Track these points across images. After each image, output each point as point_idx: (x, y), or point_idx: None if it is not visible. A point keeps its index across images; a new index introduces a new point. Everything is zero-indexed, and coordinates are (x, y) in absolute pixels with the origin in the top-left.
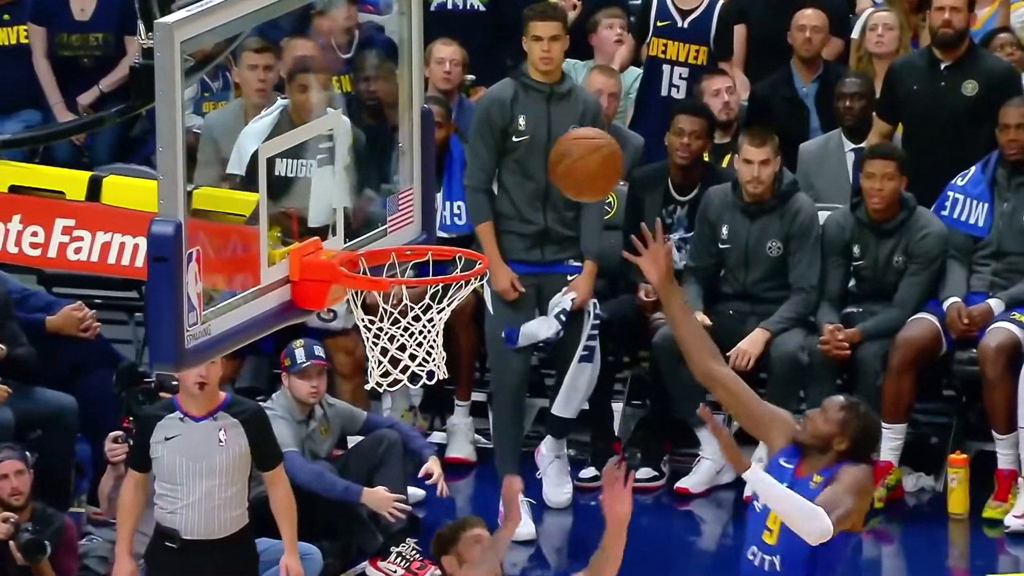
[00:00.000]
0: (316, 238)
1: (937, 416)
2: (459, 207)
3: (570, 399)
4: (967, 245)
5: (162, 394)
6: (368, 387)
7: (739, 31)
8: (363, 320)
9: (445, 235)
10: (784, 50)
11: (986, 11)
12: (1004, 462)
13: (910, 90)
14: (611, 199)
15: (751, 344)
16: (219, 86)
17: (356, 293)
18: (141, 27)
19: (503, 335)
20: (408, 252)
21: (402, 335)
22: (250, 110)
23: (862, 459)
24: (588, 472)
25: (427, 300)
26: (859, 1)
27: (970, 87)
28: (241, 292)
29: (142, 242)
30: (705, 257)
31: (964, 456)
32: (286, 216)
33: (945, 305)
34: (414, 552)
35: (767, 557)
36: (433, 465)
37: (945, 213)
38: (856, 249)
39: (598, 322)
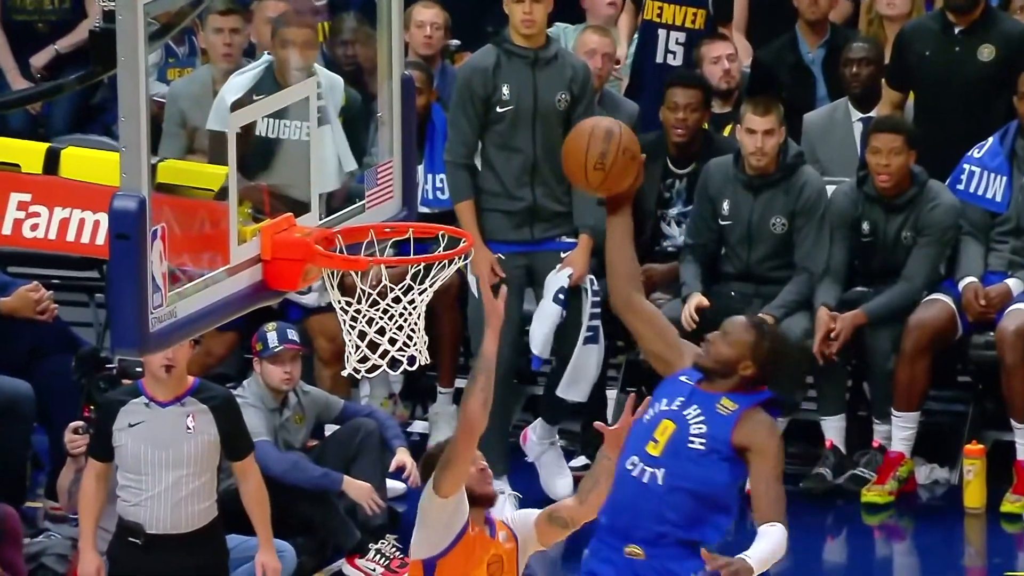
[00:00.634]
0: (289, 215)
1: (952, 404)
2: (441, 180)
3: (577, 381)
4: (984, 221)
5: (125, 381)
6: (345, 373)
7: None
8: (340, 302)
9: (427, 210)
10: (789, 13)
11: None
12: (1023, 453)
13: (922, 56)
14: None
15: None
16: (185, 52)
17: (332, 273)
18: None
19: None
20: (387, 229)
21: (381, 318)
22: (218, 77)
23: (768, 383)
24: (579, 461)
25: (408, 280)
26: None
27: (986, 52)
28: (209, 272)
29: (103, 218)
30: (705, 234)
31: (980, 446)
32: (258, 191)
33: (961, 286)
34: (394, 549)
35: (649, 469)
36: (403, 456)
37: (960, 187)
38: (865, 226)
39: (598, 299)
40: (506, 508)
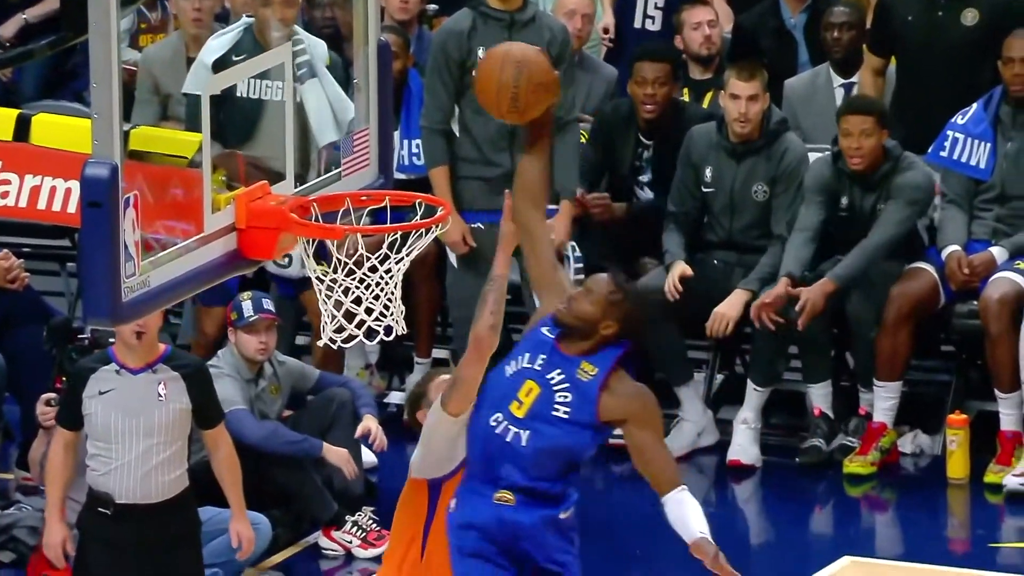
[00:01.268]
0: (264, 182)
1: (935, 374)
2: (418, 146)
3: None
4: (967, 189)
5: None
6: (320, 343)
7: None
8: (315, 271)
9: (403, 177)
10: None
11: None
12: (1007, 423)
13: (904, 20)
14: (582, 136)
15: (729, 307)
16: (157, 17)
17: (308, 242)
18: None
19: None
20: (364, 197)
21: (357, 287)
22: (190, 43)
23: (628, 340)
24: None
25: (384, 250)
26: None
27: (970, 16)
28: (183, 240)
29: (75, 186)
30: (688, 201)
31: (964, 417)
32: (232, 158)
33: (944, 254)
34: (370, 521)
35: (513, 429)
36: (369, 422)
37: (944, 154)
38: (844, 200)
39: (581, 266)
40: None
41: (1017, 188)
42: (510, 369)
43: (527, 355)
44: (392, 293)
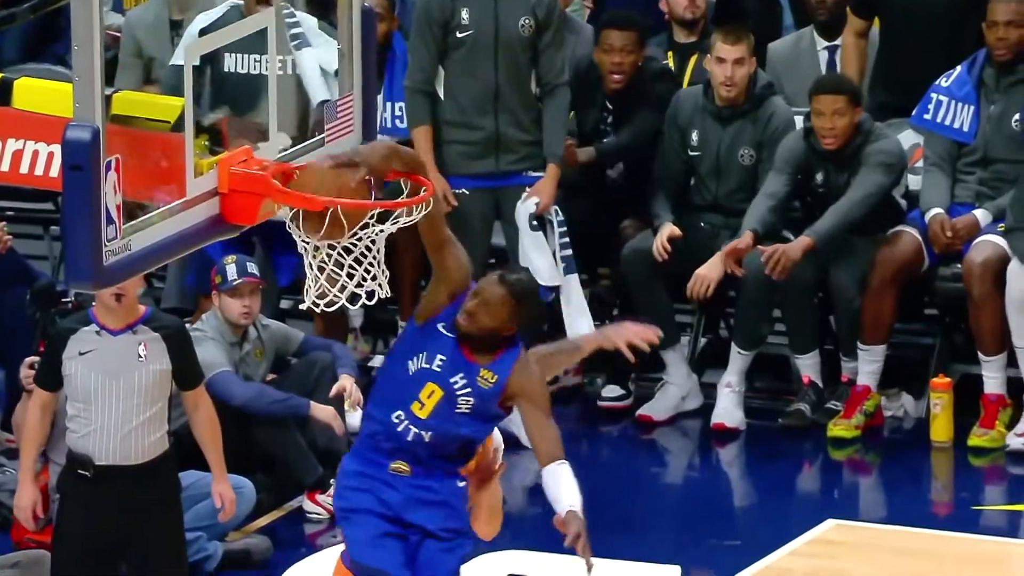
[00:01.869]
0: (247, 147)
1: (919, 337)
2: (401, 109)
3: (579, 316)
4: (950, 152)
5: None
6: (304, 307)
7: None
8: (299, 236)
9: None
10: None
11: None
12: (990, 386)
13: None
14: None
15: (710, 269)
16: None
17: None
18: None
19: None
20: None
21: (340, 252)
22: (172, 7)
23: (526, 333)
24: None
25: (367, 219)
26: None
27: None
28: (165, 205)
29: (57, 150)
30: (675, 163)
31: (947, 380)
32: (215, 123)
33: (927, 217)
34: None
35: (415, 429)
36: (345, 382)
37: (928, 117)
38: (819, 176)
39: (565, 229)
40: None
41: (1000, 151)
42: (412, 366)
43: (425, 354)
44: (376, 258)
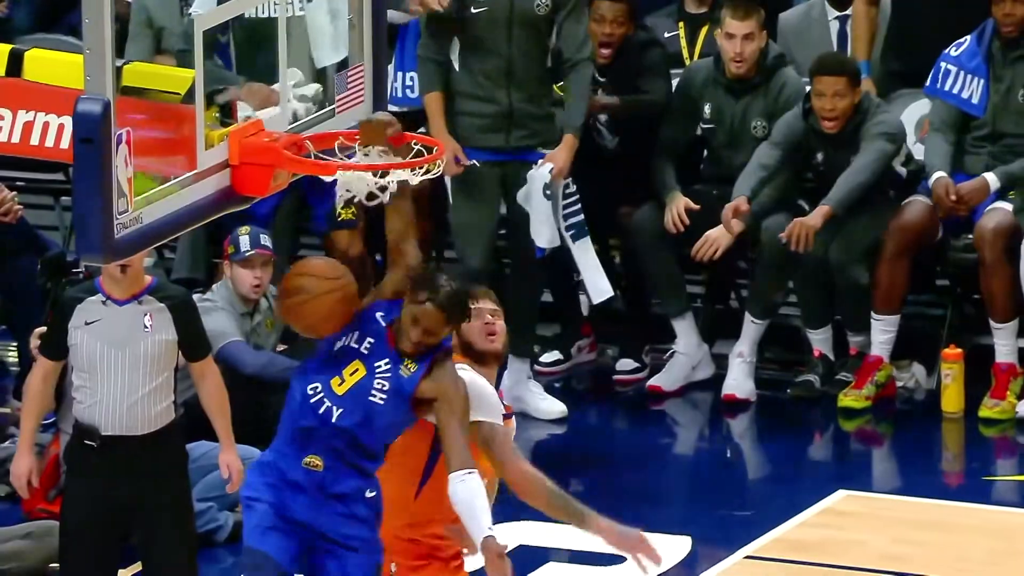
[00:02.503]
0: (258, 119)
1: (930, 308)
2: (412, 79)
3: (597, 280)
4: (953, 119)
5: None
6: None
7: None
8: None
9: (396, 109)
10: None
11: None
12: (1002, 355)
13: None
14: None
15: (721, 233)
16: None
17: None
18: None
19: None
20: (358, 136)
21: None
22: None
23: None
24: (551, 356)
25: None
26: None
27: None
28: (176, 177)
29: (68, 122)
30: (683, 135)
31: (959, 351)
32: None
33: (931, 181)
34: None
35: (328, 403)
36: None
37: (939, 86)
38: (819, 156)
39: (574, 196)
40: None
41: (1008, 126)
42: (340, 343)
43: (356, 334)
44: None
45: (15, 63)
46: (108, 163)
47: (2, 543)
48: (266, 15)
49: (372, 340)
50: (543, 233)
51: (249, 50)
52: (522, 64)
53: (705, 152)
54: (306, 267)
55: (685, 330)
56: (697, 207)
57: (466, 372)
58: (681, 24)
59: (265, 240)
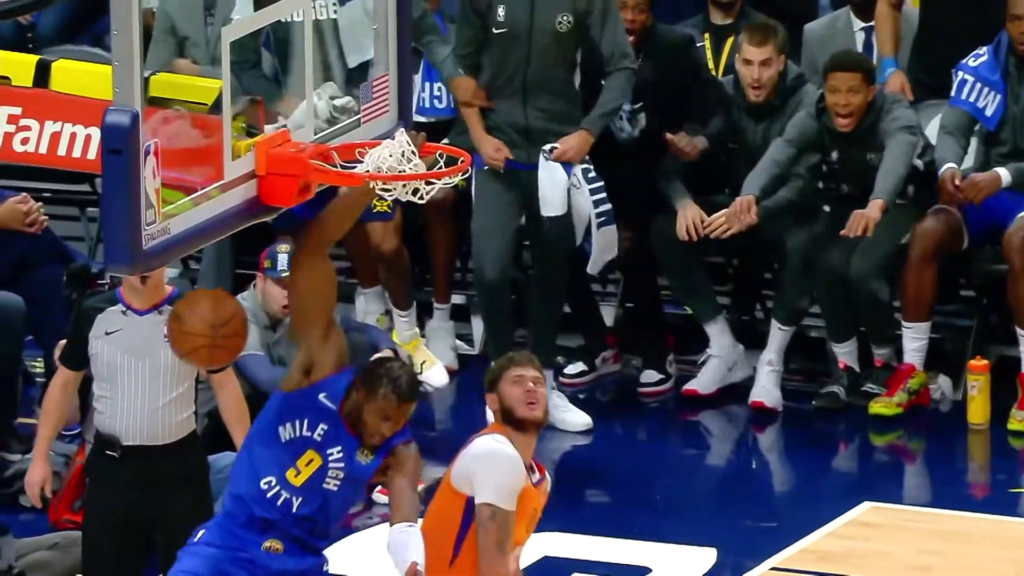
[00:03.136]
0: (284, 129)
1: (956, 319)
2: (439, 88)
3: (603, 260)
4: (966, 125)
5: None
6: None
7: None
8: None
9: (423, 119)
10: None
11: None
12: None
13: None
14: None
15: (731, 220)
16: None
17: None
18: None
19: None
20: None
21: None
22: None
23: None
24: (576, 368)
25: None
26: None
27: None
28: (203, 188)
29: (95, 133)
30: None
31: (985, 362)
32: (252, 104)
33: (940, 172)
34: None
35: (286, 495)
36: None
37: (952, 94)
38: (834, 154)
39: (597, 184)
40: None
41: None
42: (286, 434)
43: (306, 421)
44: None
45: (43, 74)
46: (136, 174)
47: (28, 554)
48: (296, 23)
49: (325, 426)
50: (551, 200)
51: (285, 62)
52: (539, 82)
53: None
54: (199, 304)
55: (718, 333)
56: (704, 218)
57: (501, 445)
58: (707, 36)
59: None
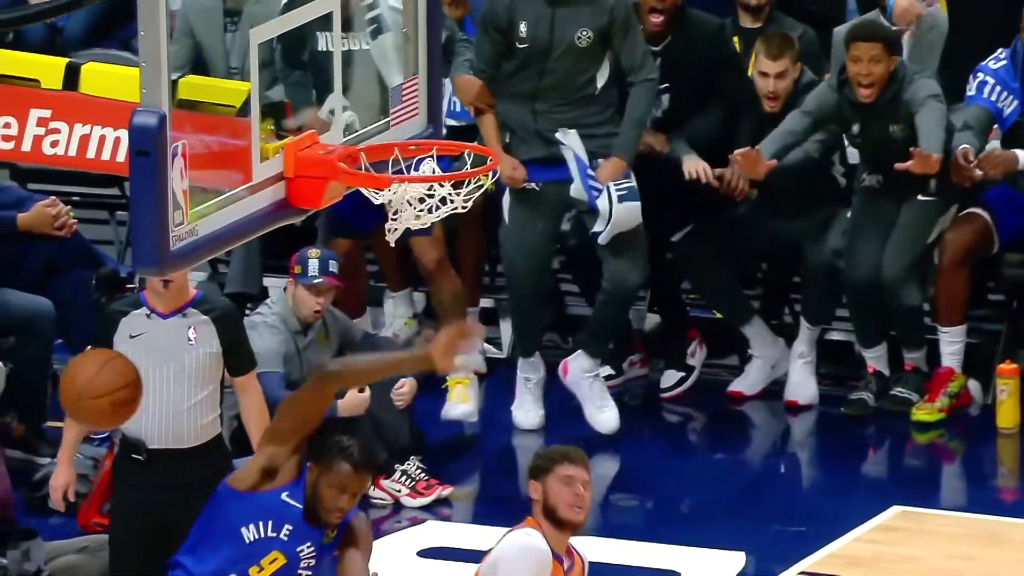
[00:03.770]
0: (312, 131)
1: (986, 323)
2: None
3: (613, 230)
4: (984, 121)
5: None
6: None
7: None
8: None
9: (453, 123)
10: None
11: None
12: None
13: None
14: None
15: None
16: None
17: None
18: None
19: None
20: (412, 147)
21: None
22: None
23: None
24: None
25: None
26: None
27: None
28: (231, 190)
29: (124, 135)
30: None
31: (1014, 366)
32: (280, 107)
33: (955, 151)
34: (419, 471)
35: None
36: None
37: (971, 93)
38: (855, 127)
39: (631, 189)
40: None
41: None
42: (249, 535)
43: (270, 523)
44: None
45: (72, 76)
46: (164, 175)
47: (57, 557)
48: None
49: (291, 526)
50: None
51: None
52: (553, 89)
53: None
54: (98, 364)
55: (755, 333)
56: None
57: (532, 539)
58: (736, 38)
59: (333, 267)
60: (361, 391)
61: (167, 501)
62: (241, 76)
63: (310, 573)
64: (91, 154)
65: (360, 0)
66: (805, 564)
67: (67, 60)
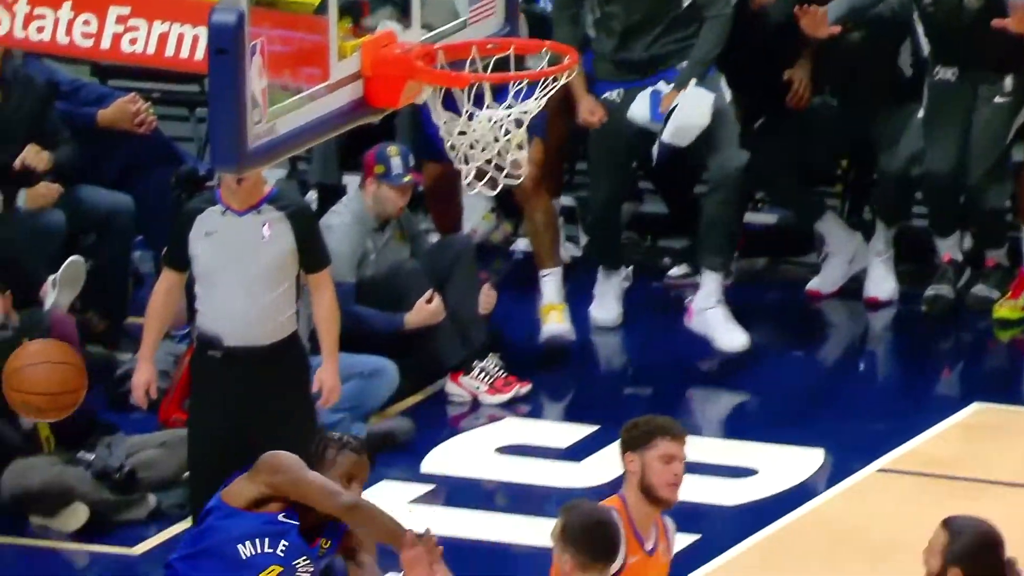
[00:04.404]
0: (390, 30)
1: None
2: None
3: (683, 126)
4: None
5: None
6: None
7: None
8: (443, 122)
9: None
10: None
11: None
12: None
13: None
14: None
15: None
16: None
17: (437, 89)
18: None
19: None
20: (490, 46)
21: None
22: None
23: None
24: (679, 270)
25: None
26: None
27: None
28: (309, 88)
29: (202, 33)
30: None
31: None
32: (358, 5)
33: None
34: (497, 368)
35: None
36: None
37: None
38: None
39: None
40: None
41: None
42: (245, 551)
43: (267, 540)
44: (522, 141)
45: None
46: (242, 74)
47: (138, 452)
48: None
49: (287, 543)
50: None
51: None
52: (638, 25)
53: None
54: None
55: (829, 229)
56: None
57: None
58: None
59: (412, 161)
60: (429, 301)
61: (244, 398)
62: None
63: None
64: (170, 52)
65: None
66: (884, 461)
67: None
